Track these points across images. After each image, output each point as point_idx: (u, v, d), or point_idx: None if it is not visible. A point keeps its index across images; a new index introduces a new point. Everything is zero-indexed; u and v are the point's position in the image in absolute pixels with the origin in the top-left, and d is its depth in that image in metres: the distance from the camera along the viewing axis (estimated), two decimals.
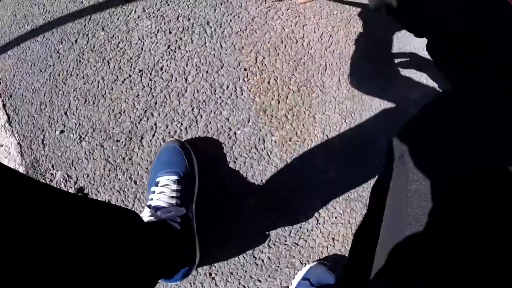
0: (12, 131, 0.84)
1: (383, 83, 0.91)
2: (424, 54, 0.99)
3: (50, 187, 0.36)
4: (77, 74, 0.85)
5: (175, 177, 0.68)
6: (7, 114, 0.86)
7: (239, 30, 0.88)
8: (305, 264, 0.79)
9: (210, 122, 0.80)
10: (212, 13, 0.89)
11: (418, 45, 0.98)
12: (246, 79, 0.84)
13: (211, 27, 0.87)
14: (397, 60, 0.94)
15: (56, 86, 0.85)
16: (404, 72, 0.94)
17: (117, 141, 0.78)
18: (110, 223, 0.41)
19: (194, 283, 0.74)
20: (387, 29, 0.97)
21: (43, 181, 0.78)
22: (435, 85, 0.96)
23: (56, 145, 0.80)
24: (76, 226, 0.34)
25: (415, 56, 0.96)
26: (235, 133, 0.81)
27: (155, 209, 0.65)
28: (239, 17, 0.89)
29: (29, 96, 0.85)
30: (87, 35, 0.88)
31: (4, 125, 0.86)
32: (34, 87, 0.86)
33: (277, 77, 0.85)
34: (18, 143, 0.82)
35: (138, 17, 0.88)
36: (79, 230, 0.35)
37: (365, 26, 0.96)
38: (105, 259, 0.37)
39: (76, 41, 0.88)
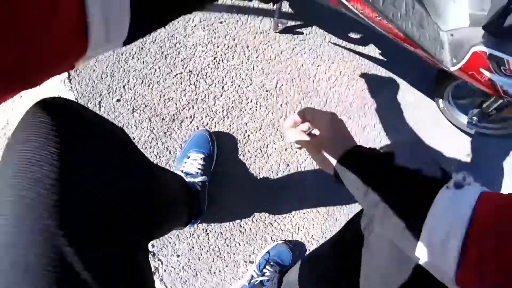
0: (71, 87, 1.04)
1: (370, 129, 1.22)
2: (410, 118, 1.31)
3: None
4: (138, 59, 1.07)
5: (202, 155, 0.95)
6: (68, 72, 1.06)
7: (269, 58, 1.15)
8: (274, 241, 1.09)
9: (233, 123, 1.07)
10: (252, 39, 1.15)
11: (407, 103, 1.30)
12: (265, 98, 1.11)
13: (249, 51, 1.13)
14: (383, 117, 1.26)
15: (118, 63, 1.06)
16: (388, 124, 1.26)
17: (163, 119, 1.03)
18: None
19: (193, 234, 1.01)
20: (377, 91, 1.28)
21: None
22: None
23: (111, 109, 1.03)
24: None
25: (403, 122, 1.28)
26: (249, 135, 1.08)
27: (185, 174, 0.92)
28: (272, 47, 1.16)
29: (92, 63, 1.06)
30: None
31: (64, 80, 1.06)
32: (98, 57, 1.07)
33: (287, 102, 1.14)
34: (76, 99, 1.02)
35: (195, 25, 1.12)
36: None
37: (366, 79, 1.26)
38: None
39: None
